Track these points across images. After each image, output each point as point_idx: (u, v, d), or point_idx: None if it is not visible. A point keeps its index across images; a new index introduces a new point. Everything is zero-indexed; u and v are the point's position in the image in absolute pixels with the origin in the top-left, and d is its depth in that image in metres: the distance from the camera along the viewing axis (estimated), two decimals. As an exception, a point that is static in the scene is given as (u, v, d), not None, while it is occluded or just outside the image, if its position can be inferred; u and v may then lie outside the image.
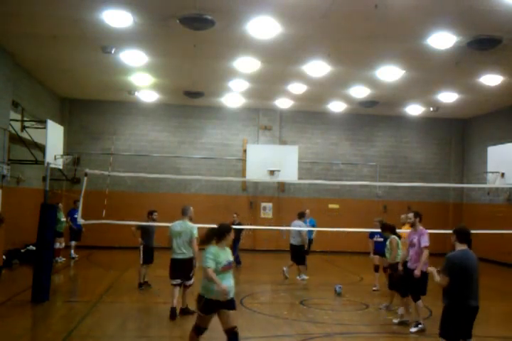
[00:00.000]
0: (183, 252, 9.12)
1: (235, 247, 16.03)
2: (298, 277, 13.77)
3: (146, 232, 11.97)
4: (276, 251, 20.70)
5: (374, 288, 12.60)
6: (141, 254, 11.87)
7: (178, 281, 9.16)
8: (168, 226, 9.56)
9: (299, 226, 13.67)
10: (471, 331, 5.87)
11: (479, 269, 5.95)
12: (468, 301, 5.75)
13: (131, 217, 13.11)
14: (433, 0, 9.96)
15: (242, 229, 16.21)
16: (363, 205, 21.12)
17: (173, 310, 8.98)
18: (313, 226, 16.26)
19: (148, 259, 11.94)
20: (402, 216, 12.32)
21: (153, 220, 12.11)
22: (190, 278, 9.21)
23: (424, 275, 8.51)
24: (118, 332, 8.12)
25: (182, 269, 9.16)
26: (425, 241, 8.69)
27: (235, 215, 16.33)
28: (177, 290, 9.11)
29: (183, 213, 9.39)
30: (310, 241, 16.28)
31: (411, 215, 9.11)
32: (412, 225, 9.06)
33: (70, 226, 16.81)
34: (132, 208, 19.40)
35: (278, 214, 21.18)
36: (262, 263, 18.13)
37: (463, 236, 5.93)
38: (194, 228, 9.17)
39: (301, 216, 14.13)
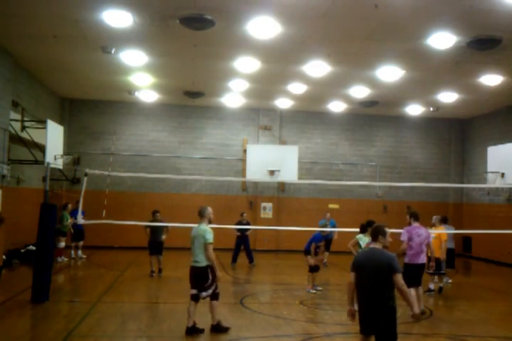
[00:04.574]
0: (195, 260, 8.10)
1: (247, 246, 16.67)
2: (445, 280, 13.53)
3: (152, 230, 13.79)
4: (277, 251, 20.75)
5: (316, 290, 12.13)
6: (148, 247, 13.84)
7: (193, 291, 8.10)
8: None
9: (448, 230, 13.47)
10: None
11: (380, 267, 5.58)
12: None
13: (132, 217, 13.19)
14: (433, 0, 9.97)
15: (247, 229, 16.61)
16: (363, 205, 21.13)
17: (187, 329, 8.02)
18: (333, 226, 16.78)
19: (154, 251, 13.70)
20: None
21: (156, 220, 13.50)
22: (205, 290, 8.06)
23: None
24: (118, 332, 8.12)
25: (196, 279, 8.13)
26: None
27: (245, 215, 16.79)
28: (192, 305, 8.05)
29: (200, 215, 8.32)
30: (330, 240, 16.79)
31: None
32: None
33: (72, 226, 16.77)
34: (132, 208, 19.46)
35: (278, 214, 21.20)
36: (262, 263, 18.10)
37: (375, 234, 5.89)
38: (207, 232, 8.03)
39: (445, 220, 13.96)
